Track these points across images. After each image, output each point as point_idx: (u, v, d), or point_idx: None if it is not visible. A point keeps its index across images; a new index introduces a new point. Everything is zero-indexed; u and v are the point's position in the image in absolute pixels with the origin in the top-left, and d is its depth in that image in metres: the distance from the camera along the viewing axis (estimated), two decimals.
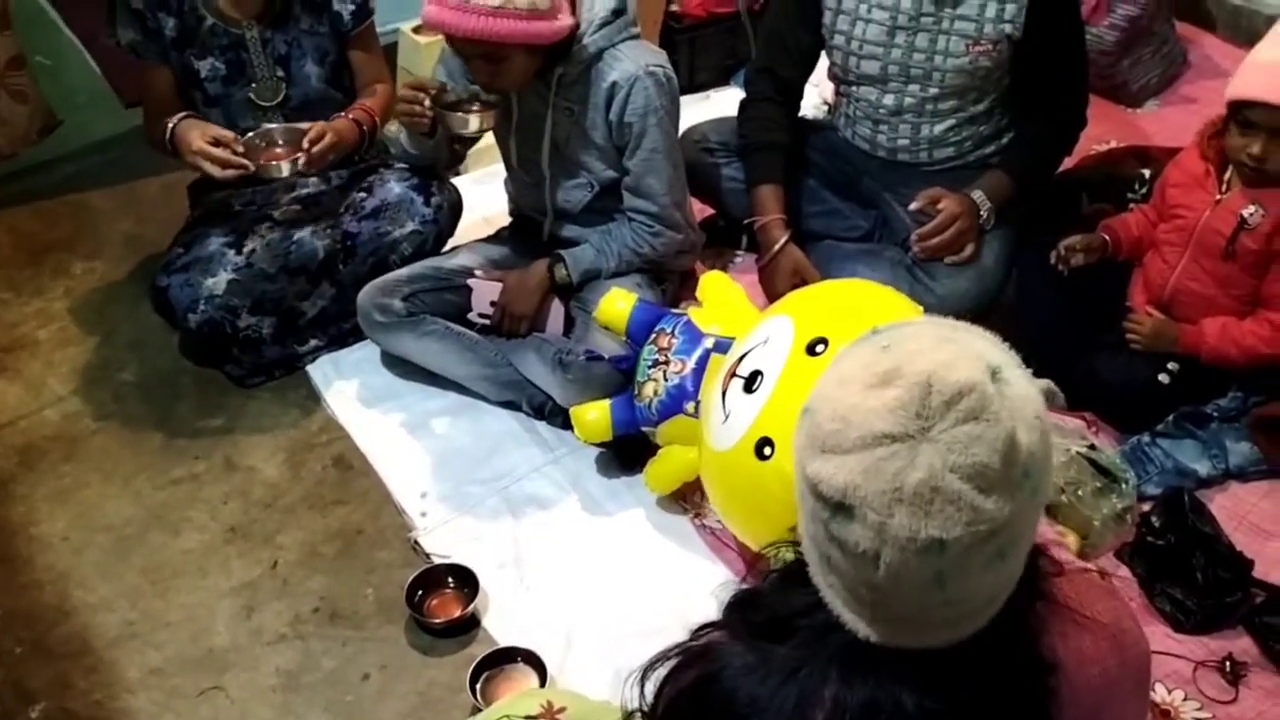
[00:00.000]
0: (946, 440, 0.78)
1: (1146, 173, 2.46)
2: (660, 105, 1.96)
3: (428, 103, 1.94)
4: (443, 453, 2.03)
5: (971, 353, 0.83)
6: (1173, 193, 2.01)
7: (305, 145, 2.01)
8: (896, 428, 0.79)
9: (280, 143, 2.06)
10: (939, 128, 2.17)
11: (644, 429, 1.86)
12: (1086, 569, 1.11)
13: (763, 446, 1.54)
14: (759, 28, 3.03)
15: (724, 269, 2.42)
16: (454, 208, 2.22)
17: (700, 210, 2.42)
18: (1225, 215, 1.89)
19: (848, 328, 1.59)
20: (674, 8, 3.01)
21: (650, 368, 1.86)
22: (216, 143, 1.98)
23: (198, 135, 1.97)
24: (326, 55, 2.12)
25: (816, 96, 2.74)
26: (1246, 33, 3.21)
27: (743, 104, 2.22)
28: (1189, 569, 1.70)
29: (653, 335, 1.90)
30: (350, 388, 2.16)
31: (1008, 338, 0.87)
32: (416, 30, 2.82)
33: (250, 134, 2.04)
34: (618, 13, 1.94)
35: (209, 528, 1.93)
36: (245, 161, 1.97)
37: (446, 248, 2.25)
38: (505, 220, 2.34)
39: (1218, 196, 1.91)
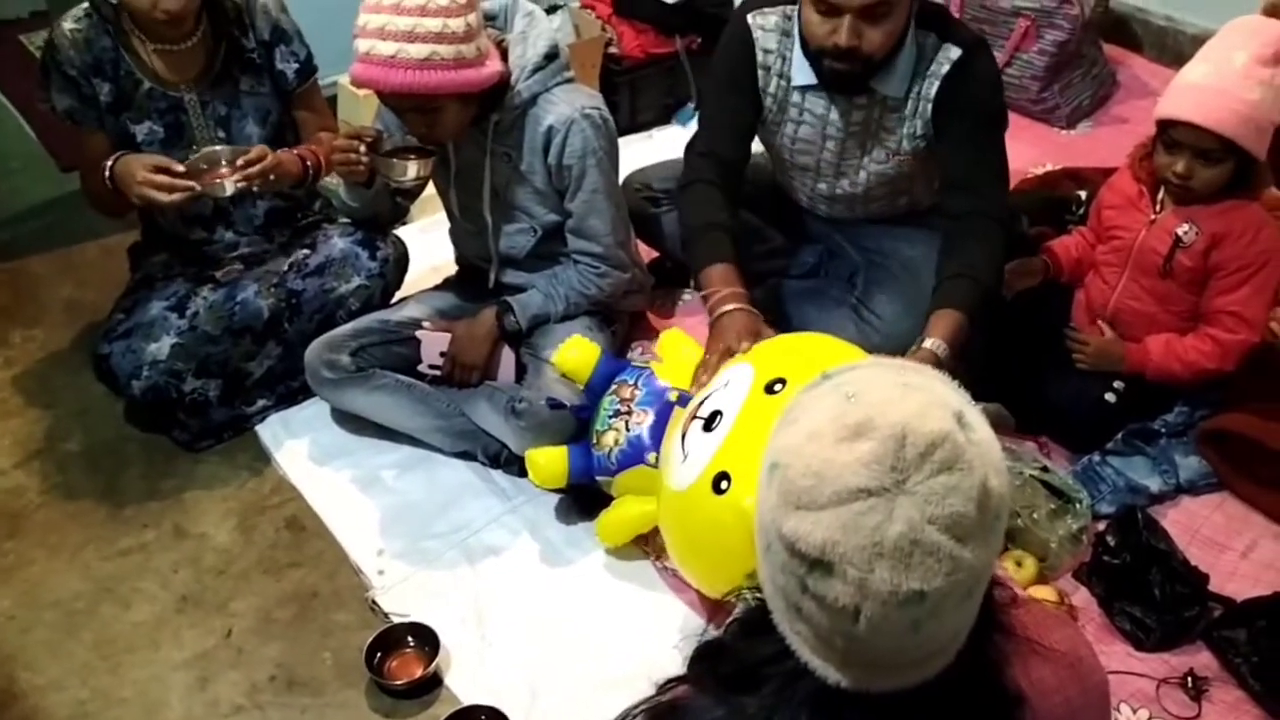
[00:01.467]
0: (924, 492, 0.79)
1: (1082, 194, 2.52)
2: (598, 146, 1.97)
3: (363, 150, 1.93)
4: (398, 508, 2.00)
5: (937, 400, 0.83)
6: (1109, 214, 2.04)
7: (240, 163, 1.96)
8: (873, 482, 0.79)
9: (224, 163, 2.00)
10: (874, 206, 2.19)
11: (599, 478, 1.86)
12: (1040, 601, 1.12)
13: (719, 481, 1.54)
14: (697, 69, 3.08)
15: (673, 308, 2.44)
16: (399, 261, 2.21)
17: (647, 252, 2.43)
18: (1160, 234, 1.92)
19: (806, 370, 1.59)
20: (613, 50, 3.04)
21: (612, 417, 1.86)
22: (159, 170, 1.94)
23: (139, 167, 1.93)
24: (268, 115, 2.10)
25: None
26: (1173, 52, 3.31)
27: (682, 186, 2.13)
28: (1147, 586, 1.71)
29: (614, 386, 1.90)
30: (301, 446, 2.13)
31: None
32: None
33: (192, 156, 1.99)
34: (550, 57, 1.95)
35: (160, 598, 1.89)
36: (190, 183, 1.93)
37: (394, 300, 2.23)
38: (453, 269, 2.33)
39: (1152, 216, 1.95)
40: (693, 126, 3.11)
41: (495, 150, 1.98)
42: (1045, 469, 1.89)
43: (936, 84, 1.93)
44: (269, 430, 2.16)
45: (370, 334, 2.09)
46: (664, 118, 3.20)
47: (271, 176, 2.00)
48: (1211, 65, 1.81)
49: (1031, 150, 2.88)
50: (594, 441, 1.87)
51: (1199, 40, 3.22)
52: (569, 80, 1.99)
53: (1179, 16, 3.28)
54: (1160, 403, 2.02)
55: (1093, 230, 2.13)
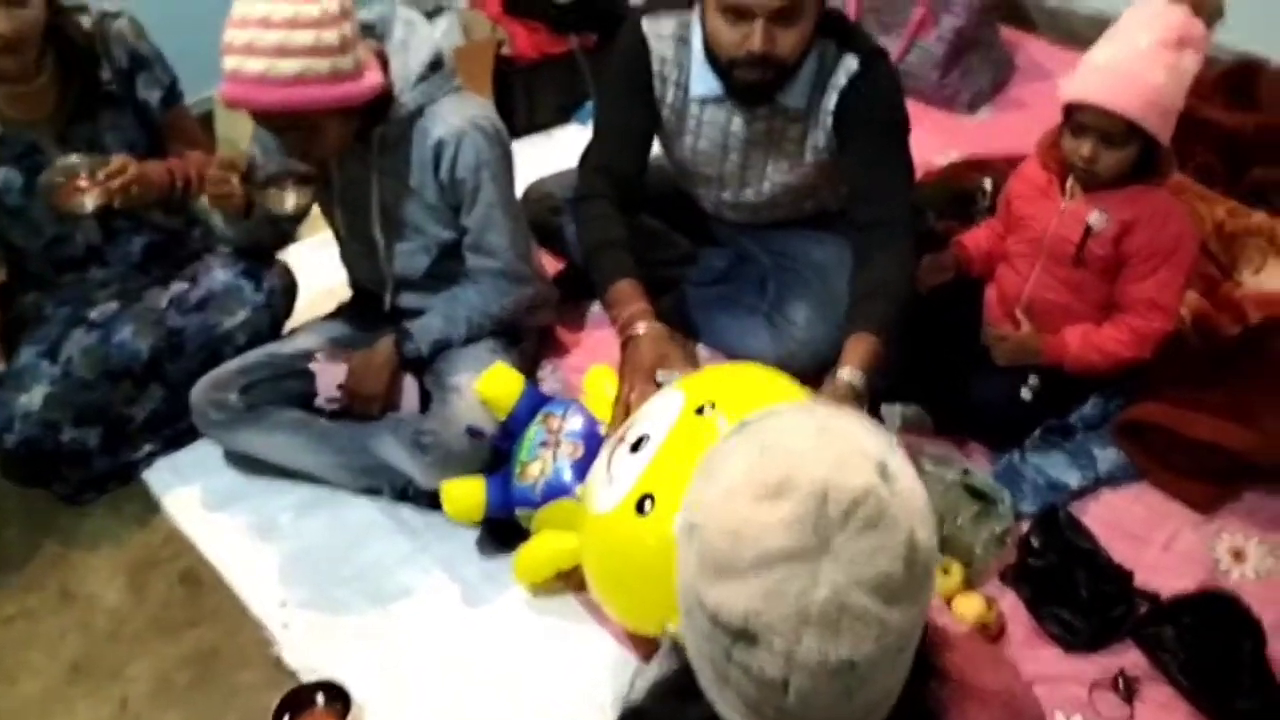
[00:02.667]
0: (849, 554, 0.75)
1: (987, 183, 2.50)
2: (492, 158, 1.88)
3: (237, 184, 1.80)
4: (301, 554, 1.89)
5: (858, 450, 0.79)
6: (1018, 204, 2.02)
7: (101, 177, 1.80)
8: (794, 544, 0.75)
9: (82, 176, 1.82)
10: (780, 211, 2.14)
11: (520, 511, 1.77)
12: (971, 636, 1.09)
13: (643, 502, 1.48)
14: (593, 66, 3.00)
15: (582, 320, 2.36)
16: (287, 290, 2.09)
17: (553, 264, 2.34)
18: (1071, 223, 1.90)
19: (735, 393, 1.56)
20: (505, 51, 2.93)
21: (539, 447, 1.78)
22: None
23: None
24: (134, 147, 1.94)
25: None
26: (1066, 33, 3.33)
27: (577, 202, 2.06)
28: (1073, 587, 1.69)
29: (541, 416, 1.82)
30: (192, 493, 2.00)
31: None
32: None
33: (47, 171, 1.81)
34: (435, 66, 1.85)
35: (48, 669, 1.76)
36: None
37: (284, 331, 2.11)
38: (347, 292, 2.21)
39: (1062, 205, 1.92)
40: (591, 125, 3.05)
41: (382, 167, 1.87)
42: (966, 472, 1.86)
43: (836, 96, 1.88)
44: (157, 477, 2.03)
45: (260, 369, 1.97)
46: (562, 117, 3.11)
47: (135, 190, 1.84)
48: (1117, 48, 1.79)
49: (935, 138, 2.86)
50: (517, 472, 1.79)
51: (1092, 21, 3.25)
52: (456, 89, 1.89)
53: None
54: (1076, 396, 2.01)
55: (1002, 221, 2.10)
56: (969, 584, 1.73)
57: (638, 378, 1.73)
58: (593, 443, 1.73)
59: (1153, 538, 1.85)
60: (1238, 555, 1.82)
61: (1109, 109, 1.75)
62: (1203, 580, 1.76)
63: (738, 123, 1.96)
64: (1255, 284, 2.21)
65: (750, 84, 1.83)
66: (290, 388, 1.98)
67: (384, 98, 1.79)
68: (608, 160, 2.03)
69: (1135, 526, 1.87)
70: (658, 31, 1.94)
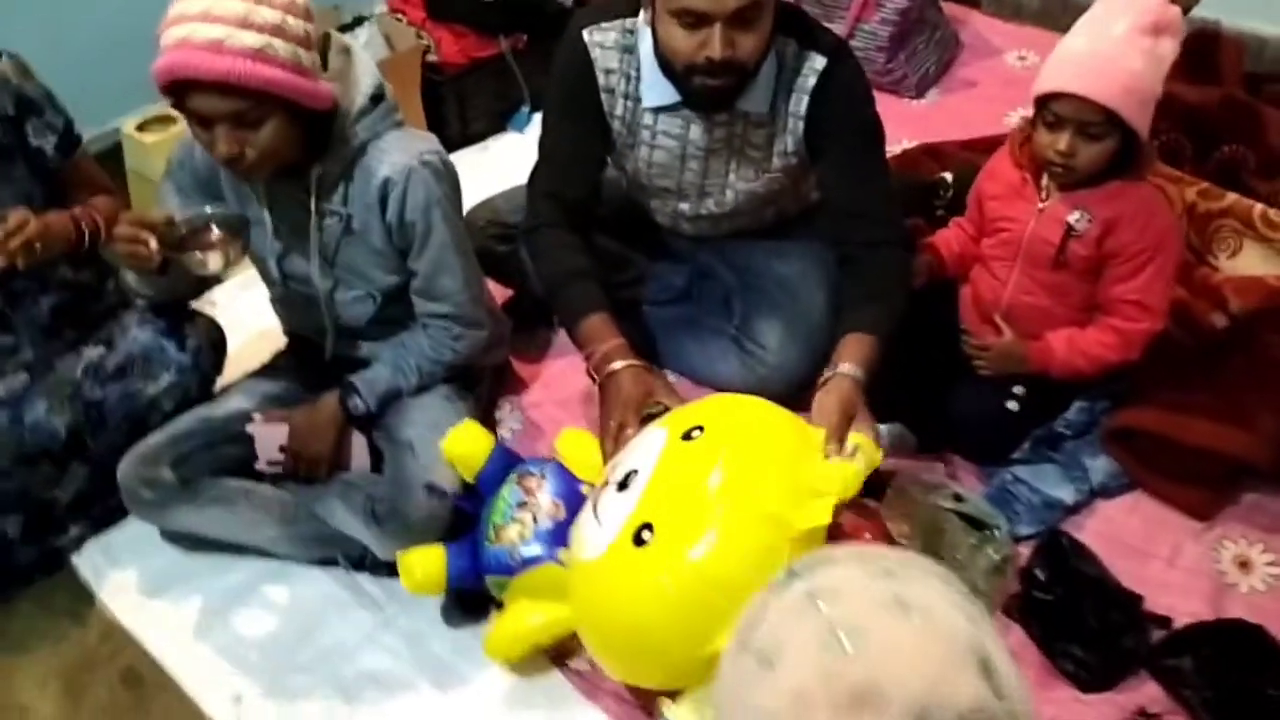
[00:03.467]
0: None
1: (947, 176, 2.40)
2: (443, 196, 1.72)
3: (154, 244, 1.60)
4: (253, 640, 1.74)
5: (952, 638, 0.66)
6: (992, 205, 1.91)
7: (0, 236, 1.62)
8: None
9: None
10: (741, 220, 2.02)
11: (492, 578, 1.63)
12: None
13: (641, 533, 1.37)
14: (527, 68, 2.84)
15: (538, 351, 2.22)
16: (215, 345, 1.92)
17: (500, 291, 2.19)
18: (1051, 224, 1.80)
19: (722, 418, 1.49)
20: (432, 58, 2.76)
21: (515, 508, 1.64)
22: None
23: None
24: (31, 199, 1.74)
25: None
26: (1010, 6, 3.23)
27: (529, 233, 1.92)
28: (1082, 618, 1.61)
29: (514, 476, 1.68)
30: (129, 578, 1.83)
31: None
32: (141, 127, 2.47)
33: None
34: (376, 99, 1.69)
35: None
36: None
37: (215, 390, 1.94)
38: (283, 336, 2.05)
39: (1040, 205, 1.82)
40: (530, 131, 2.90)
41: (322, 209, 1.71)
42: (958, 497, 1.76)
43: (805, 99, 1.78)
44: (88, 562, 1.86)
45: (192, 438, 1.80)
46: (497, 125, 2.95)
47: (38, 246, 1.65)
48: (1091, 36, 1.69)
49: (885, 126, 2.74)
50: (490, 536, 1.64)
51: None
52: (399, 123, 1.73)
53: None
54: (1061, 401, 1.92)
55: (973, 222, 2.00)
56: None
57: (626, 413, 1.63)
58: (575, 502, 1.60)
59: (1155, 552, 1.77)
60: (1244, 565, 1.75)
61: (1085, 97, 1.65)
62: (1211, 596, 1.69)
63: (696, 131, 1.84)
64: (1231, 268, 2.14)
65: (709, 91, 1.71)
66: (227, 454, 1.82)
67: (324, 130, 1.63)
68: (557, 185, 1.89)
69: (1135, 540, 1.79)
70: (600, 42, 1.82)
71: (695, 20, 1.61)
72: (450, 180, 1.77)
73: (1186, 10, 1.66)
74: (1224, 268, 2.14)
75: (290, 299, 1.87)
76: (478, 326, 1.86)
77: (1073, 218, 1.77)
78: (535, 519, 1.61)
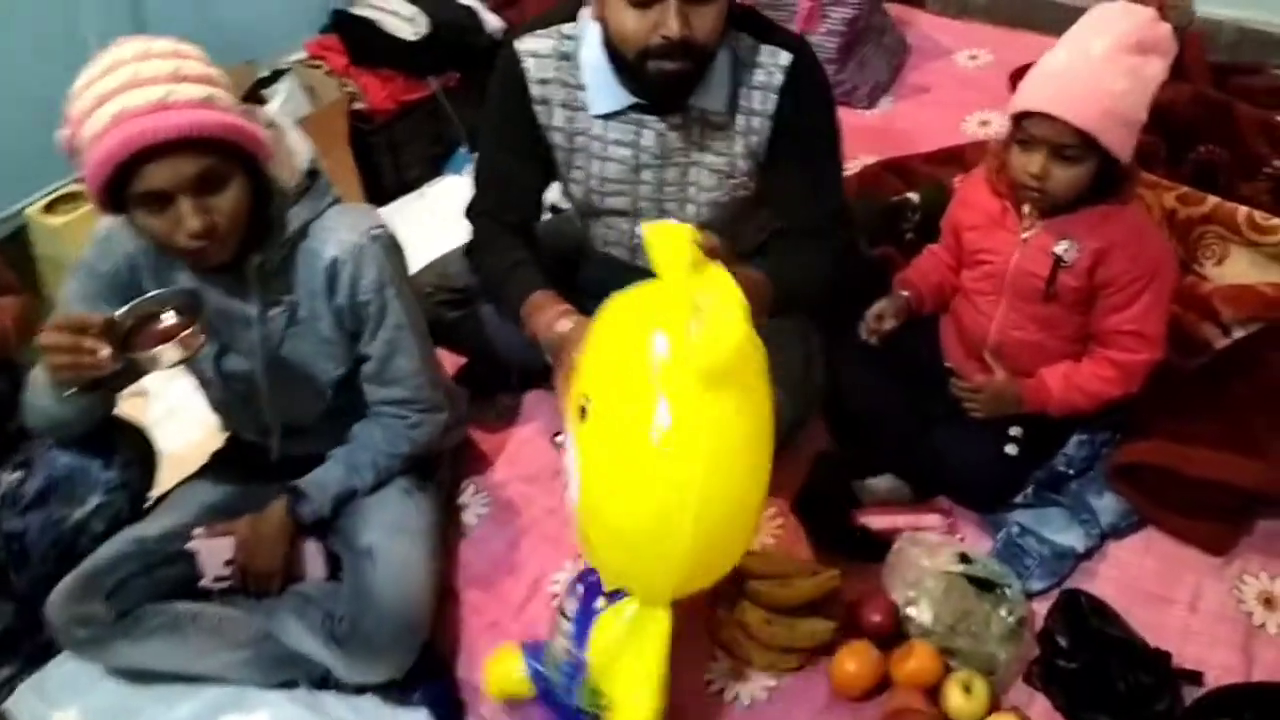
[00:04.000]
0: None
1: (913, 197, 2.29)
2: (395, 272, 1.59)
3: (105, 352, 1.39)
4: None
5: None
6: (971, 236, 1.80)
7: None
8: None
9: None
10: None
11: (581, 691, 1.45)
12: None
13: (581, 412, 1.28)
14: (462, 108, 2.69)
15: (498, 421, 2.07)
16: (146, 457, 1.75)
17: (451, 359, 2.04)
18: (1037, 255, 1.69)
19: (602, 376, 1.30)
20: (359, 106, 2.59)
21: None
22: None
23: None
24: None
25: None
26: (957, 4, 3.13)
27: (470, 249, 1.86)
28: (1110, 683, 1.50)
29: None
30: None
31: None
32: (49, 208, 2.29)
33: None
34: (313, 174, 1.54)
35: None
36: None
37: (149, 503, 1.76)
38: (222, 431, 1.88)
39: (1023, 235, 1.70)
40: (470, 174, 2.75)
41: (264, 300, 1.55)
42: (965, 558, 1.64)
43: (774, 98, 1.68)
44: (24, 706, 1.68)
45: (127, 562, 1.62)
46: (434, 170, 2.81)
47: None
48: (1071, 53, 1.58)
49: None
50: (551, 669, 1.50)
51: None
52: (337, 199, 1.58)
53: None
54: (1059, 438, 1.82)
55: (949, 251, 1.89)
56: (996, 701, 1.52)
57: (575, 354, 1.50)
58: (590, 578, 1.46)
59: (1175, 596, 1.67)
60: (1269, 602, 1.65)
61: (1059, 117, 1.54)
62: (1241, 642, 1.59)
63: (649, 136, 1.72)
64: (1219, 275, 2.05)
65: (668, 76, 1.59)
66: (167, 576, 1.65)
67: (259, 211, 1.47)
68: (492, 207, 1.83)
69: (1152, 584, 1.69)
70: (533, 50, 1.72)
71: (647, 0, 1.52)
72: (399, 254, 1.63)
73: (1177, 27, 1.54)
74: (1211, 276, 2.05)
75: (230, 401, 1.70)
76: (436, 410, 1.71)
77: (1060, 248, 1.66)
78: (567, 617, 1.46)
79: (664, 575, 1.31)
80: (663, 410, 1.21)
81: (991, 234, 1.76)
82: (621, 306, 1.33)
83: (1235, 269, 2.02)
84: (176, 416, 2.08)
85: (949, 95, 2.82)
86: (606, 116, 1.72)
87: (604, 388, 1.28)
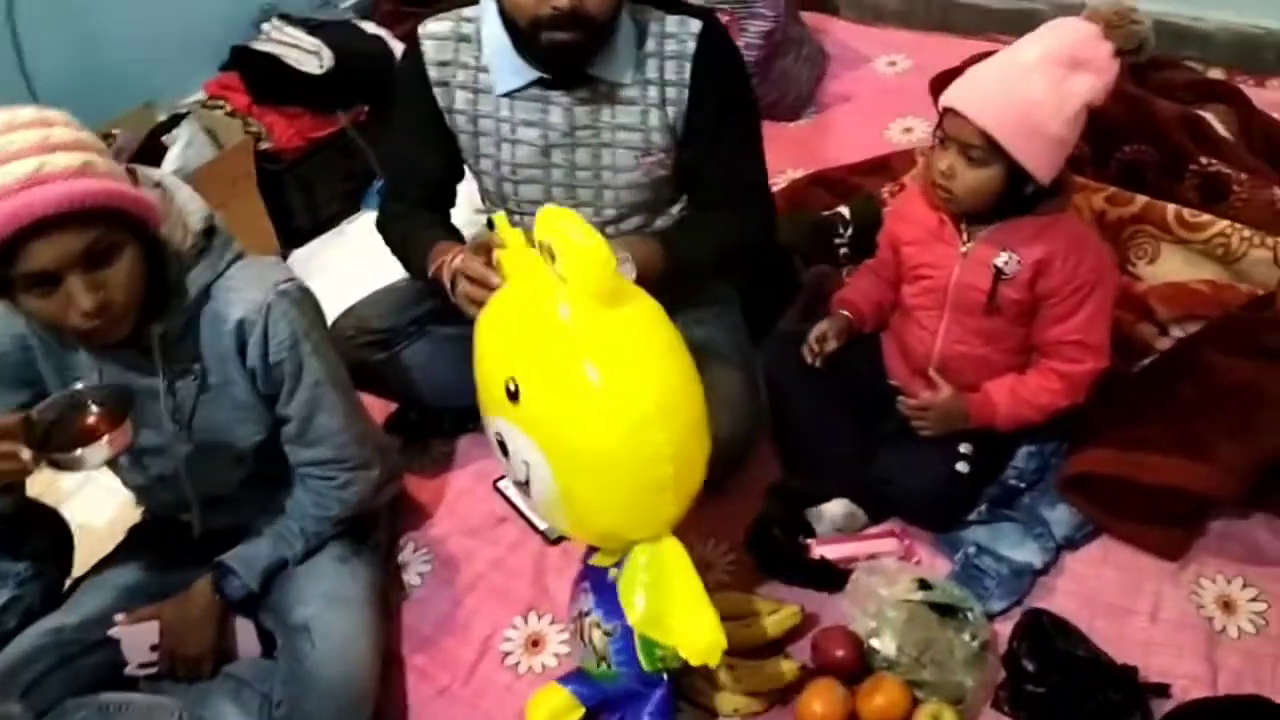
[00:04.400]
0: None
1: (844, 211, 2.25)
2: (308, 325, 1.49)
3: (25, 455, 1.28)
4: None
5: None
6: (909, 251, 1.76)
7: None
8: None
9: None
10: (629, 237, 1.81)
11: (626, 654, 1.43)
12: None
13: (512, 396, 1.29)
14: (374, 138, 2.59)
15: (435, 468, 1.99)
16: (61, 543, 1.64)
17: (380, 405, 1.96)
18: (977, 268, 1.66)
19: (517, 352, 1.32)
20: (265, 146, 2.48)
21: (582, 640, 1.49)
22: None
23: None
24: None
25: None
26: (871, 10, 3.12)
27: (380, 223, 1.85)
28: (1079, 705, 1.47)
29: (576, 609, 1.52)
30: None
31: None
32: None
33: None
34: (209, 232, 1.44)
35: None
36: None
37: (66, 589, 1.65)
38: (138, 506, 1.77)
39: (963, 249, 1.67)
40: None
41: (169, 371, 1.45)
42: (924, 584, 1.60)
43: (688, 65, 1.65)
44: None
45: (44, 656, 1.51)
46: (350, 206, 2.71)
47: None
48: (1002, 57, 1.57)
49: (766, 155, 2.59)
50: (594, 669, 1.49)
51: None
52: (240, 254, 1.48)
53: None
54: (1008, 450, 1.79)
55: (887, 266, 1.85)
56: None
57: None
58: (586, 575, 1.48)
59: (1135, 606, 1.64)
60: (1227, 605, 1.64)
61: (964, 114, 1.53)
62: (1204, 650, 1.57)
63: (556, 113, 1.68)
64: (1153, 274, 2.04)
65: (560, 46, 1.56)
66: (88, 666, 1.54)
67: (155, 278, 1.36)
68: (401, 192, 1.83)
69: (1112, 594, 1.66)
70: (433, 33, 1.70)
71: None
72: (313, 306, 1.54)
73: (1123, 51, 1.51)
74: (1145, 275, 2.04)
75: (143, 477, 1.59)
76: (366, 467, 1.62)
77: (1000, 260, 1.64)
78: (587, 611, 1.46)
79: (659, 502, 1.32)
80: (584, 349, 1.25)
81: (930, 248, 1.72)
82: (504, 298, 1.39)
83: (1168, 267, 2.02)
84: (92, 486, 1.96)
85: (871, 103, 2.80)
86: (512, 95, 1.68)
87: (525, 362, 1.29)
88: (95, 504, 1.93)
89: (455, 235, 1.78)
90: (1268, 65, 2.67)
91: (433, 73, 1.69)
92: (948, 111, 1.57)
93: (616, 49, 1.62)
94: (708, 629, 1.32)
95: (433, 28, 1.70)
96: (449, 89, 1.69)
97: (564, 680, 1.55)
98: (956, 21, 2.98)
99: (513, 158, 1.72)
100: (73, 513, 1.75)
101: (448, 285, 1.57)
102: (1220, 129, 2.14)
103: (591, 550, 1.52)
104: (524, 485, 1.37)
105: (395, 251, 1.83)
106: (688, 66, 1.64)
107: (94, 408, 1.36)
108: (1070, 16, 1.56)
